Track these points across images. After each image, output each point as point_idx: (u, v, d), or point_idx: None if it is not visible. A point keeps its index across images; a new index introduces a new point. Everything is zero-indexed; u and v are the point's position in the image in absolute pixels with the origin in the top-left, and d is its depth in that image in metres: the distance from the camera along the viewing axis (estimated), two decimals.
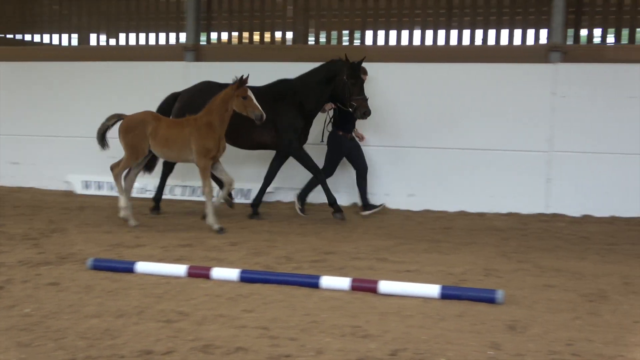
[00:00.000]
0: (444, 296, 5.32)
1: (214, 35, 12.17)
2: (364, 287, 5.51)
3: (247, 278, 5.73)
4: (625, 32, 10.26)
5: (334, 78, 8.65)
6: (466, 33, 10.78)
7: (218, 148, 8.00)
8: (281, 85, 8.99)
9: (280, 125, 8.73)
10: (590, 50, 10.03)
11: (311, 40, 11.63)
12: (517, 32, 10.59)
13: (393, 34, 11.07)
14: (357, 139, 9.37)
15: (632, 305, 5.32)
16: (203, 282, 5.72)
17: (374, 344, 4.40)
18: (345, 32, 11.46)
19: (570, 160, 9.30)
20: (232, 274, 5.79)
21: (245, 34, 11.81)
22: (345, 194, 9.76)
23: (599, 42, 10.36)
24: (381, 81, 9.76)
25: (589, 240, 7.89)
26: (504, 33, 10.71)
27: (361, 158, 9.28)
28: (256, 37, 11.95)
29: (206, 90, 8.75)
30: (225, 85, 8.53)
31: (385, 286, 5.46)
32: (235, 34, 11.90)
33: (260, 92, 8.37)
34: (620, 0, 10.20)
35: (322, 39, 11.59)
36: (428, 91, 9.73)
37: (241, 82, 7.79)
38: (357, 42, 11.35)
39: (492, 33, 10.71)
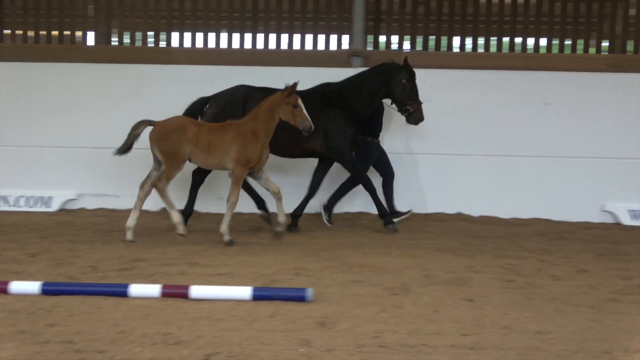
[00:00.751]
0: (256, 297, 5.35)
1: (9, 34, 11.37)
2: (175, 293, 5.41)
3: (49, 290, 5.41)
4: (419, 40, 10.90)
5: (390, 81, 8.44)
6: (272, 37, 10.92)
7: (259, 159, 7.51)
8: (328, 89, 8.59)
9: (331, 132, 8.28)
10: (388, 56, 10.49)
11: (114, 41, 11.23)
12: (321, 38, 10.90)
13: (200, 36, 10.97)
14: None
15: (432, 296, 5.65)
16: (0, 298, 5.32)
17: (187, 350, 4.33)
18: (151, 33, 11.19)
19: None
20: (32, 287, 5.43)
21: (43, 33, 11.15)
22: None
23: (397, 48, 10.91)
24: (189, 84, 9.68)
25: (391, 236, 8.30)
26: (309, 38, 10.97)
27: (388, 164, 9.12)
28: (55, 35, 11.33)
29: (245, 95, 8.27)
30: (266, 90, 8.14)
31: (197, 291, 5.40)
32: (31, 32, 11.19)
33: (305, 97, 7.74)
34: (415, 9, 10.82)
35: (126, 40, 11.23)
36: None
37: (292, 89, 7.35)
38: (163, 44, 11.13)
39: (297, 38, 10.93)
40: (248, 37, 10.93)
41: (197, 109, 8.48)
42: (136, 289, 5.43)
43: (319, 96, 8.41)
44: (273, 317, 5.00)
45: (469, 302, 5.54)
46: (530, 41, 10.82)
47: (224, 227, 7.62)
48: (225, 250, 7.29)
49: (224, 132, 7.53)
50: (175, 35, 11.09)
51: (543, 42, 10.79)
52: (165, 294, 5.38)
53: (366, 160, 8.98)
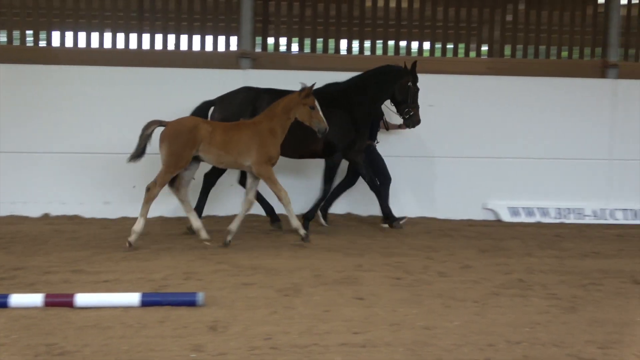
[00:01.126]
0: (145, 303, 5.24)
1: None
2: (59, 302, 5.21)
3: None
4: (307, 42, 10.98)
5: (397, 83, 8.60)
6: (159, 37, 10.71)
7: (279, 156, 7.46)
8: (332, 89, 8.63)
9: (332, 132, 8.01)
10: (277, 58, 10.58)
11: None
12: (209, 39, 10.78)
13: (82, 35, 10.61)
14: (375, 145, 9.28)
15: (323, 296, 5.71)
16: None
17: None
18: (30, 32, 10.72)
19: None
20: None
21: None
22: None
23: (285, 51, 10.96)
24: (75, 85, 9.41)
25: (282, 237, 8.31)
26: (196, 39, 10.83)
27: (385, 168, 9.15)
28: None
29: (254, 97, 8.40)
30: (272, 91, 8.32)
31: (82, 299, 5.22)
32: None
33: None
34: (302, 12, 10.89)
35: (3, 39, 10.71)
36: (120, 95, 9.55)
37: (309, 90, 7.31)
38: (43, 43, 10.69)
39: (184, 38, 10.76)
40: (133, 37, 10.66)
41: (201, 113, 8.35)
42: (17, 299, 5.19)
43: (322, 97, 8.18)
44: (163, 323, 4.91)
45: (359, 300, 5.63)
46: (415, 44, 11.13)
47: (295, 223, 7.69)
48: (111, 257, 7.07)
49: (240, 130, 7.53)
50: (56, 35, 10.67)
51: (426, 45, 11.11)
52: (48, 303, 5.18)
53: (376, 164, 9.16)
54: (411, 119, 8.80)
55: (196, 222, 7.71)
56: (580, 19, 11.19)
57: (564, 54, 11.31)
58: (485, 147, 10.13)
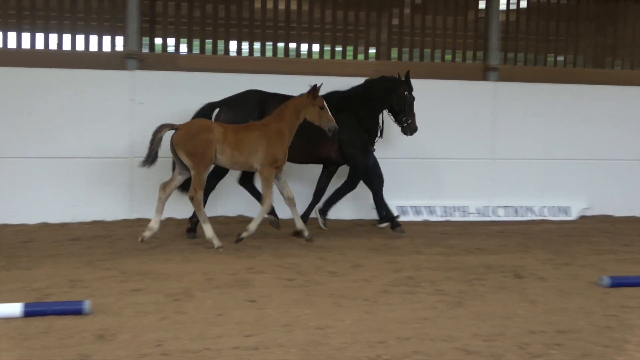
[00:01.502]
0: (28, 314, 5.04)
1: None
2: None
3: None
4: (196, 43, 10.83)
5: (394, 93, 8.76)
6: (40, 37, 10.28)
7: (285, 158, 7.44)
8: (337, 97, 8.73)
9: (345, 139, 8.19)
10: (164, 59, 10.39)
11: None
12: (93, 38, 10.44)
13: None
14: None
15: (215, 300, 5.66)
16: None
17: None
18: None
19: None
20: None
21: None
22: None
23: (173, 51, 10.76)
24: None
25: (171, 242, 8.16)
26: (80, 38, 10.46)
27: (379, 170, 9.13)
28: None
29: (262, 99, 8.42)
30: (279, 95, 8.37)
31: None
32: None
33: None
34: (191, 12, 10.74)
35: None
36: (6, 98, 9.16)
37: (317, 91, 7.61)
38: None
39: (67, 38, 10.38)
40: (12, 35, 10.18)
41: (205, 115, 8.22)
42: None
43: (331, 103, 8.16)
44: (47, 333, 4.73)
45: (251, 302, 5.62)
46: (304, 46, 11.19)
47: (249, 230, 7.72)
48: None
49: (250, 131, 7.60)
50: None
51: (316, 47, 11.20)
52: None
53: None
54: (409, 127, 9.01)
55: (155, 224, 7.59)
56: (463, 23, 11.58)
57: (448, 57, 11.68)
58: (379, 147, 10.28)
